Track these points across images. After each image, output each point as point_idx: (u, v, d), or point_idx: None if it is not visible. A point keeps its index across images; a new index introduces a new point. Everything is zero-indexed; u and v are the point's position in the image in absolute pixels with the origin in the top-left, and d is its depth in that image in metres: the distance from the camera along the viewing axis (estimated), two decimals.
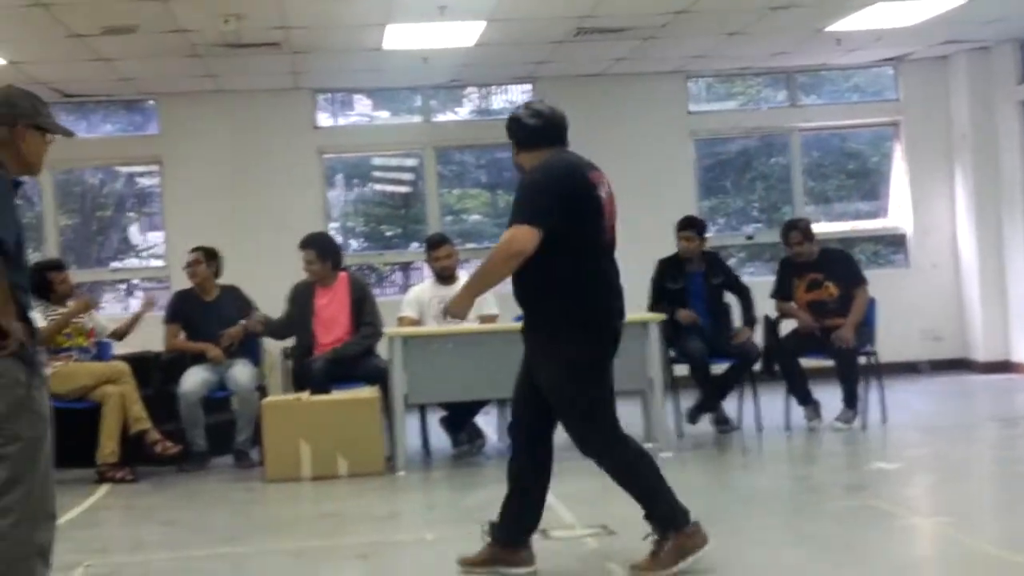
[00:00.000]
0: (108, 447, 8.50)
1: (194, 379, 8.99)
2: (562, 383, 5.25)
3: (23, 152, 4.38)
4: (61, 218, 12.97)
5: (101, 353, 9.29)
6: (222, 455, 9.11)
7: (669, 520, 5.24)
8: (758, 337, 9.50)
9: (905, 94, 13.39)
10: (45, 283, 8.78)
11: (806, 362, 9.43)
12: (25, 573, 4.17)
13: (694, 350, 9.24)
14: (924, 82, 13.26)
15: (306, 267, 9.14)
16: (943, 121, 13.22)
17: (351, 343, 9.00)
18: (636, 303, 9.57)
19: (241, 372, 9.07)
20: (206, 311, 9.34)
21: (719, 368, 9.41)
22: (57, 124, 4.59)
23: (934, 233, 13.29)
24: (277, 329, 9.28)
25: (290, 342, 9.31)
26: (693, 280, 9.55)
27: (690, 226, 9.63)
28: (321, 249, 9.19)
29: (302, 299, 9.16)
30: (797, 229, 9.66)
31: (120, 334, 9.38)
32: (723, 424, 9.38)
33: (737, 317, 9.62)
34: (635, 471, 5.29)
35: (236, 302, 9.46)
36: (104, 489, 8.30)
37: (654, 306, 9.45)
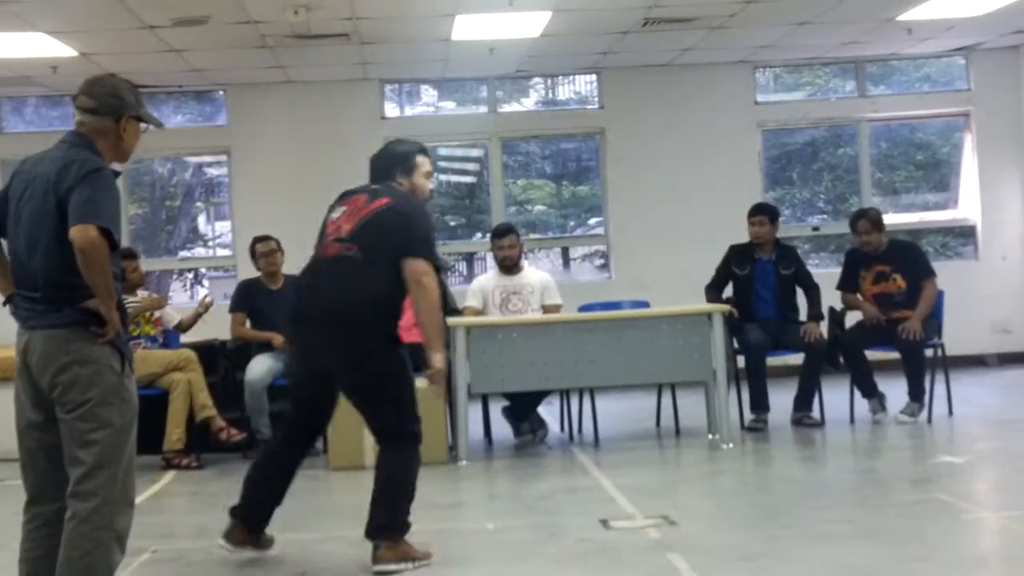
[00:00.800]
0: (174, 434, 8.59)
1: (259, 367, 9.06)
2: None
3: (124, 143, 4.47)
4: (131, 207, 13.12)
5: (168, 341, 9.39)
6: None
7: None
8: (823, 327, 9.40)
9: (976, 84, 13.22)
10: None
11: (871, 354, 9.33)
12: (104, 557, 4.24)
13: (752, 341, 9.18)
14: (995, 72, 13.10)
15: None
16: (1014, 111, 13.05)
17: None
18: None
19: None
20: (272, 300, 9.40)
21: (780, 360, 9.36)
22: (153, 116, 4.67)
23: (1004, 225, 13.13)
24: None
25: None
26: (761, 267, 9.48)
27: (762, 211, 9.60)
28: None
29: None
30: (866, 218, 9.48)
31: (184, 327, 9.48)
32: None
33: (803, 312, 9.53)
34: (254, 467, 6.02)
35: None
36: (170, 476, 8.41)
37: (711, 288, 9.46)
